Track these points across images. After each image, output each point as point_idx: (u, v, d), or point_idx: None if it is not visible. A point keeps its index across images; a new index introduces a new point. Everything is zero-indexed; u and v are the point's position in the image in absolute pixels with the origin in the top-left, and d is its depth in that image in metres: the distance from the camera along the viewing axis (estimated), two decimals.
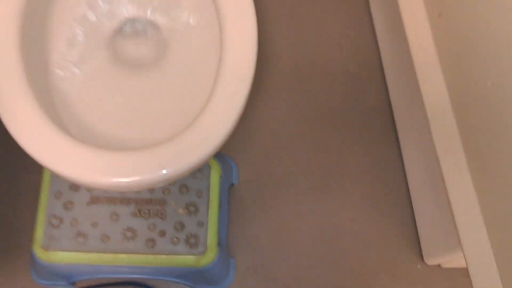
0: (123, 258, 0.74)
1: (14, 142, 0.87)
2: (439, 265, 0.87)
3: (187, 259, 0.74)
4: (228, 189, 0.88)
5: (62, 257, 0.73)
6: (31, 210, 0.85)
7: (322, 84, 1.00)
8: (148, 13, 0.77)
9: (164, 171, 0.57)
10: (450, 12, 0.59)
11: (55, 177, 0.77)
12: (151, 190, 0.77)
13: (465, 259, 0.63)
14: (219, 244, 0.77)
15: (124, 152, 0.58)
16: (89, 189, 0.76)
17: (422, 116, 0.67)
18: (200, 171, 0.79)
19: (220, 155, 0.88)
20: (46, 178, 0.77)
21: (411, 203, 0.92)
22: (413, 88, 0.81)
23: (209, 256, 0.75)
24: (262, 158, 0.95)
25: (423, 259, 0.88)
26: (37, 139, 0.58)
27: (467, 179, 0.61)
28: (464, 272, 0.84)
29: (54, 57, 0.72)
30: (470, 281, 0.62)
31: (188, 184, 0.78)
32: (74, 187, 0.76)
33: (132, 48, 0.78)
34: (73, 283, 0.83)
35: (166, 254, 0.74)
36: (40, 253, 0.74)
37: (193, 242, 0.75)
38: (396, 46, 0.93)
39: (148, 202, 0.77)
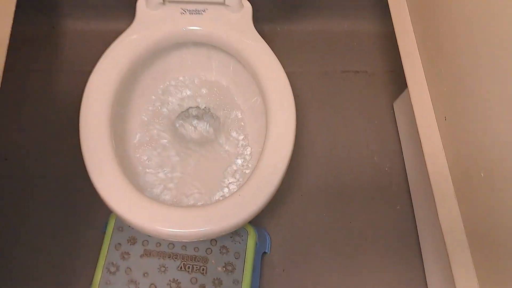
0: None
1: (81, 204, 1.04)
2: None
3: None
4: (261, 257, 1.00)
5: None
6: (90, 260, 0.99)
7: (349, 170, 1.13)
8: (208, 107, 0.95)
9: (214, 227, 0.71)
10: (453, 116, 0.73)
11: (116, 231, 0.91)
12: (196, 248, 0.90)
13: None
14: None
15: (184, 208, 0.72)
16: (144, 243, 0.89)
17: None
18: (239, 235, 0.92)
19: (256, 226, 1.00)
20: (109, 231, 0.91)
21: (426, 279, 1.00)
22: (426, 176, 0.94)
23: None
24: (293, 232, 1.06)
25: None
26: (117, 196, 0.73)
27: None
28: None
29: (131, 136, 0.89)
30: None
31: (227, 246, 0.90)
32: (132, 240, 0.90)
33: (191, 129, 0.95)
34: None
35: None
36: None
37: None
38: (413, 143, 1.07)
39: (192, 259, 0.89)
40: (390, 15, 0.91)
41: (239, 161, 0.91)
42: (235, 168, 0.90)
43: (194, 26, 0.85)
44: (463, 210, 0.71)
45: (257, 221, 1.01)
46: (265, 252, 1.02)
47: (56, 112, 1.16)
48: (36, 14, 1.22)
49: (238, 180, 0.88)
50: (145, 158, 0.89)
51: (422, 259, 1.03)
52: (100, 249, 0.90)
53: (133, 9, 0.86)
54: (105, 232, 0.94)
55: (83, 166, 1.07)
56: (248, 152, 0.91)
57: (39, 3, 1.19)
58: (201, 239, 0.76)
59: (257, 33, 0.85)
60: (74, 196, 1.07)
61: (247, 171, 0.89)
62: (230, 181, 0.88)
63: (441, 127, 0.77)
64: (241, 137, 0.93)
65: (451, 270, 0.71)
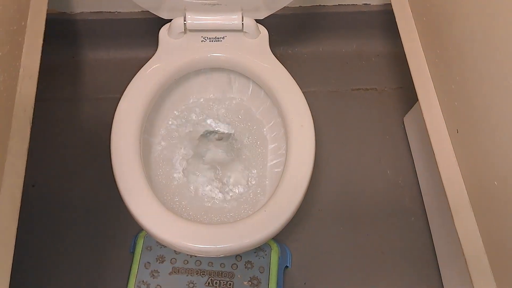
0: None
1: (108, 227, 1.07)
2: None
3: None
4: (283, 271, 1.03)
5: None
6: (119, 279, 1.02)
7: (363, 185, 1.17)
8: (230, 129, 1.00)
9: (242, 242, 0.74)
10: (465, 129, 0.77)
11: (145, 250, 0.95)
12: (222, 264, 0.93)
13: None
14: None
15: (213, 226, 0.76)
16: (172, 261, 0.93)
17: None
18: (263, 251, 0.95)
19: (278, 241, 1.03)
20: (138, 250, 0.95)
21: None
22: (443, 190, 0.97)
23: None
24: (312, 247, 1.09)
25: None
26: (148, 214, 0.77)
27: None
28: None
29: (154, 158, 0.94)
30: None
31: (252, 261, 0.94)
32: (160, 259, 0.94)
33: (213, 149, 0.99)
34: None
35: None
36: None
37: None
38: (425, 156, 1.11)
39: (219, 274, 0.92)
40: (398, 34, 0.96)
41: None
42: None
43: (216, 53, 0.90)
44: (479, 219, 0.74)
45: (277, 236, 1.04)
46: (286, 266, 1.05)
47: (80, 139, 1.21)
48: (56, 44, 1.28)
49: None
50: (167, 179, 0.93)
51: (439, 270, 1.06)
52: (130, 268, 0.93)
53: (150, 38, 0.91)
54: (133, 252, 0.98)
55: (108, 191, 1.13)
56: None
57: (60, 34, 1.25)
58: (230, 254, 0.80)
59: (275, 57, 0.90)
60: (101, 220, 1.11)
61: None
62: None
63: (454, 140, 0.80)
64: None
65: (470, 279, 0.74)
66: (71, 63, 1.32)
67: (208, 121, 1.00)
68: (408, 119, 1.24)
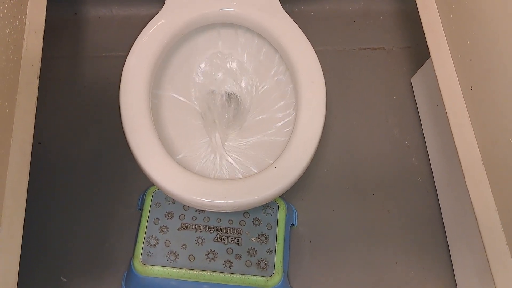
0: (205, 275, 0.89)
1: (115, 184, 1.08)
2: None
3: (258, 280, 0.89)
4: (290, 229, 1.04)
5: (157, 271, 0.90)
6: (128, 235, 1.03)
7: (370, 144, 1.17)
8: (237, 88, 0.98)
9: (253, 197, 0.75)
10: (479, 86, 0.76)
11: (154, 207, 0.95)
12: (230, 221, 0.94)
13: None
14: (283, 270, 0.92)
15: (224, 180, 0.76)
16: (181, 217, 0.94)
17: (457, 168, 0.82)
18: (270, 208, 0.96)
19: (285, 200, 1.04)
20: (147, 207, 0.95)
21: (448, 248, 1.05)
22: (450, 149, 0.97)
23: (276, 279, 0.89)
24: (317, 206, 1.10)
25: None
26: (158, 168, 0.77)
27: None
28: None
29: (164, 114, 0.93)
30: None
31: (260, 218, 0.95)
32: (169, 215, 0.94)
33: (219, 110, 0.98)
34: None
35: (240, 274, 0.89)
36: (139, 267, 0.90)
37: (263, 266, 0.90)
38: (433, 116, 1.10)
39: (227, 231, 0.93)
40: None
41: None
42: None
43: (227, 7, 0.87)
44: (492, 177, 0.75)
45: (284, 195, 1.05)
46: (292, 225, 1.06)
47: (84, 97, 1.20)
48: (58, 1, 1.25)
49: None
50: (177, 133, 0.93)
51: (445, 229, 1.07)
52: (139, 224, 0.94)
53: None
54: (140, 209, 0.99)
55: (114, 149, 1.13)
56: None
57: None
58: (240, 210, 0.80)
59: (285, 12, 0.88)
60: (108, 178, 1.11)
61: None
62: None
63: (467, 98, 0.80)
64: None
65: (481, 236, 0.75)
66: (73, 20, 1.30)
67: (218, 77, 0.98)
68: (416, 79, 1.23)
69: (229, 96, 0.97)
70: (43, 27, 0.91)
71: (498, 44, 0.69)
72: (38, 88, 0.85)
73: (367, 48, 1.30)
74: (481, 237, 0.75)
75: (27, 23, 0.86)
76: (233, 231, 0.93)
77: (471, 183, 0.77)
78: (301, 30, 0.88)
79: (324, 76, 0.85)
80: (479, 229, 0.75)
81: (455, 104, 0.83)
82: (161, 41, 0.86)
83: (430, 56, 0.91)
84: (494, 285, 0.73)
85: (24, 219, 0.77)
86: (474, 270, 0.94)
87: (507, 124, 0.68)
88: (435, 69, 0.86)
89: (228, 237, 0.93)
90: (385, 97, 1.23)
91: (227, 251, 0.91)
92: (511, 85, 0.67)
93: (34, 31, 0.87)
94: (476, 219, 0.75)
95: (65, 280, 1.00)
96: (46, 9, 0.90)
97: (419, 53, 1.28)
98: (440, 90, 0.86)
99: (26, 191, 0.77)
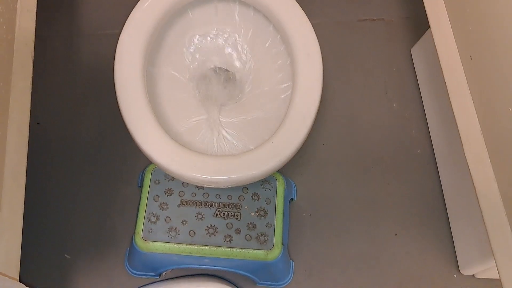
0: (205, 250, 0.90)
1: (114, 162, 1.08)
2: (473, 276, 0.98)
3: (258, 253, 0.90)
4: (289, 203, 1.05)
5: (158, 247, 0.90)
6: (129, 212, 1.04)
7: (369, 117, 1.16)
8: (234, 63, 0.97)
9: (250, 172, 0.75)
10: (479, 55, 0.75)
11: (154, 184, 0.96)
12: (229, 196, 0.94)
13: (497, 270, 0.73)
14: (283, 244, 0.93)
15: (221, 156, 0.76)
16: (180, 194, 0.94)
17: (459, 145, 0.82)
18: (269, 183, 0.96)
19: (283, 174, 1.04)
20: (146, 184, 0.96)
21: (448, 219, 1.05)
22: (450, 121, 0.97)
23: (276, 252, 0.90)
24: (316, 180, 1.10)
25: (459, 270, 1.00)
26: (154, 145, 0.77)
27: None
28: (496, 283, 0.96)
29: (160, 91, 0.93)
30: None
31: (259, 193, 0.95)
32: (169, 192, 0.95)
33: (216, 86, 0.97)
34: (159, 275, 0.99)
35: (240, 248, 0.90)
36: (140, 243, 0.91)
37: (262, 240, 0.91)
38: (433, 88, 1.09)
39: (226, 206, 0.94)
40: None
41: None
42: None
43: None
44: (490, 146, 0.74)
45: (283, 170, 1.05)
46: (292, 199, 1.06)
47: (81, 75, 1.19)
48: None
49: None
50: (173, 110, 0.92)
51: (444, 200, 1.07)
52: (140, 201, 0.95)
53: None
54: (140, 186, 1.00)
55: (112, 127, 1.13)
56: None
57: None
58: (238, 185, 0.81)
59: None
60: (107, 156, 1.11)
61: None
62: None
63: (466, 67, 0.79)
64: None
65: (480, 207, 0.75)
66: None
67: (214, 53, 0.97)
68: (415, 50, 1.21)
69: (225, 71, 0.96)
70: (36, 6, 0.90)
71: (498, 10, 0.68)
72: (34, 68, 0.85)
73: (366, 20, 1.28)
74: (480, 207, 0.75)
75: (19, 2, 0.85)
76: (233, 206, 0.94)
77: (470, 153, 0.77)
78: (297, 3, 0.86)
79: (322, 49, 0.84)
80: (477, 199, 0.75)
81: (455, 74, 0.82)
82: (155, 16, 0.85)
83: (429, 27, 0.90)
84: (493, 254, 0.73)
85: (26, 199, 0.78)
86: (473, 241, 0.94)
87: (506, 93, 0.68)
88: (434, 39, 0.85)
89: (227, 212, 0.93)
90: (384, 69, 1.22)
91: (227, 226, 0.92)
92: (510, 53, 0.66)
93: (26, 9, 0.87)
94: (474, 189, 0.75)
95: (69, 257, 1.02)
96: None
97: (418, 23, 1.26)
98: (439, 60, 0.85)
99: (25, 170, 0.78)
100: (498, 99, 0.70)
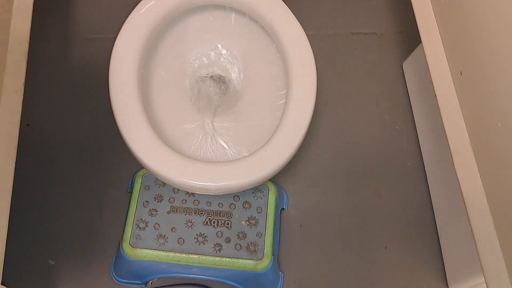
0: (194, 259, 0.89)
1: (104, 167, 1.07)
2: None
3: (247, 263, 0.89)
4: (280, 213, 1.04)
5: (146, 254, 0.89)
6: (117, 218, 1.03)
7: (360, 129, 1.17)
8: (229, 71, 0.97)
9: (242, 180, 0.75)
10: (469, 70, 0.76)
11: (143, 189, 0.95)
12: (220, 204, 0.94)
13: (486, 285, 0.73)
14: (273, 254, 0.92)
15: (214, 163, 0.76)
16: (170, 201, 0.93)
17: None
18: (261, 192, 0.96)
19: (275, 184, 1.04)
20: (136, 189, 0.95)
21: (438, 233, 1.05)
22: (440, 134, 0.98)
23: (265, 262, 0.90)
24: (308, 190, 1.10)
25: (447, 285, 1.00)
26: (146, 149, 0.76)
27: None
28: None
29: (154, 97, 0.92)
30: None
31: (250, 201, 0.95)
32: (159, 198, 0.94)
33: (211, 93, 0.97)
34: (145, 283, 0.98)
35: (230, 258, 0.89)
36: (128, 250, 0.90)
37: (252, 249, 0.90)
38: (424, 102, 1.11)
39: (217, 214, 0.93)
40: None
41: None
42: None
43: None
44: (479, 160, 0.75)
45: (274, 179, 1.05)
46: (283, 208, 1.06)
47: (74, 79, 1.19)
48: None
49: None
50: (168, 116, 0.92)
51: (434, 213, 1.08)
52: (129, 207, 0.94)
53: None
54: (130, 192, 0.99)
55: (103, 132, 1.12)
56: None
57: None
58: (230, 192, 0.80)
59: None
60: (97, 161, 1.10)
61: None
62: None
63: (457, 82, 0.80)
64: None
65: (469, 221, 0.75)
66: (63, 1, 1.28)
67: (209, 60, 0.97)
68: (407, 64, 1.23)
69: (220, 78, 0.96)
70: (32, 7, 0.89)
71: (488, 27, 0.69)
72: (28, 70, 0.84)
73: (359, 33, 1.30)
74: (469, 220, 0.75)
75: (15, 2, 0.85)
76: (223, 214, 0.93)
77: (460, 166, 0.78)
78: (293, 14, 0.87)
79: (315, 60, 0.85)
80: (467, 212, 0.75)
81: (445, 89, 0.83)
82: (152, 22, 0.85)
83: (421, 42, 0.91)
84: (482, 268, 0.74)
85: (12, 201, 0.76)
86: (462, 256, 0.95)
87: (495, 108, 0.69)
88: (425, 54, 0.86)
89: (218, 220, 0.93)
90: (376, 82, 1.23)
91: (216, 234, 0.91)
92: (499, 69, 0.67)
93: (22, 10, 0.86)
94: (464, 202, 0.76)
95: (53, 263, 1.00)
96: None
97: (410, 38, 1.28)
98: (430, 74, 0.86)
99: (13, 172, 0.77)
100: (487, 113, 0.71)
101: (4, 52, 0.79)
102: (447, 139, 0.82)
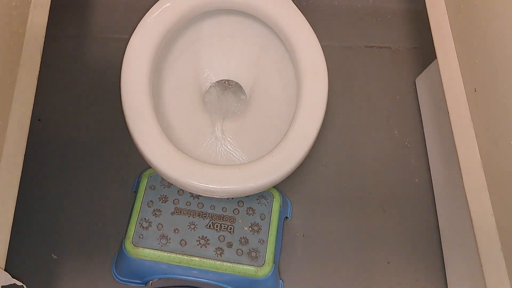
0: (195, 261, 0.89)
1: (112, 165, 1.07)
2: None
3: (248, 269, 0.89)
4: (283, 221, 1.04)
5: (147, 254, 0.89)
6: (121, 216, 1.03)
7: (369, 143, 1.16)
8: (240, 76, 0.98)
9: (248, 184, 0.74)
10: (484, 88, 0.76)
11: (149, 189, 0.95)
12: (224, 208, 0.94)
13: None
14: (274, 262, 0.92)
15: (221, 166, 0.76)
16: (175, 202, 0.93)
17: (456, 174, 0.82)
18: (265, 198, 0.96)
19: (280, 192, 1.03)
20: (141, 189, 0.95)
21: (442, 251, 1.04)
22: (450, 152, 0.97)
23: (266, 269, 0.89)
24: (313, 200, 1.10)
25: None
26: (154, 149, 0.76)
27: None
28: None
29: (165, 100, 0.93)
30: None
31: (254, 207, 0.94)
32: (163, 199, 0.94)
33: (222, 97, 0.98)
34: (145, 283, 0.98)
35: (231, 262, 0.89)
36: (130, 248, 0.90)
37: (254, 256, 0.90)
38: (435, 119, 1.10)
39: (220, 218, 0.93)
40: None
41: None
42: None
43: None
44: (489, 179, 0.74)
45: (279, 186, 1.05)
46: (286, 217, 1.05)
47: (87, 77, 1.20)
48: None
49: None
50: (178, 118, 0.92)
51: (439, 231, 1.07)
52: (133, 206, 0.94)
53: None
54: (135, 191, 0.99)
55: (112, 131, 1.12)
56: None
57: None
58: (234, 196, 0.80)
59: (293, 4, 0.88)
60: (105, 159, 1.11)
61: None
62: None
63: (470, 99, 0.79)
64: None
65: (475, 240, 0.74)
66: (80, 0, 1.29)
67: (221, 65, 0.98)
68: (420, 80, 1.22)
69: (232, 83, 0.96)
70: (49, 2, 0.90)
71: (505, 45, 0.69)
72: (42, 66, 0.85)
73: (373, 46, 1.29)
74: (476, 240, 0.74)
75: None
76: (226, 219, 0.93)
77: (469, 185, 0.77)
78: (308, 23, 0.87)
79: (328, 71, 0.85)
80: (474, 231, 0.74)
81: (458, 105, 0.82)
82: (166, 24, 0.85)
83: (435, 57, 0.90)
84: None
85: (19, 194, 0.77)
86: (466, 276, 0.93)
87: (509, 126, 0.68)
88: (440, 69, 0.86)
89: (221, 224, 0.92)
90: (388, 97, 1.23)
91: (219, 238, 0.91)
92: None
93: (40, 5, 0.87)
94: (471, 222, 0.75)
95: (55, 257, 1.00)
96: None
97: (425, 54, 1.28)
98: (444, 90, 0.85)
99: (22, 163, 0.77)
100: (500, 132, 0.70)
101: (20, 45, 0.80)
102: (457, 157, 0.81)
